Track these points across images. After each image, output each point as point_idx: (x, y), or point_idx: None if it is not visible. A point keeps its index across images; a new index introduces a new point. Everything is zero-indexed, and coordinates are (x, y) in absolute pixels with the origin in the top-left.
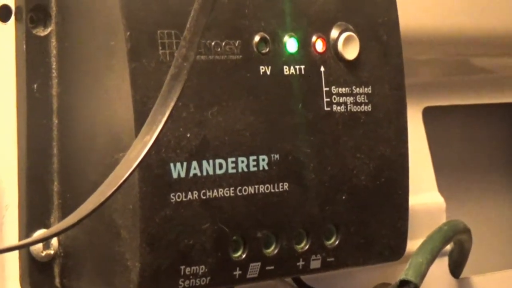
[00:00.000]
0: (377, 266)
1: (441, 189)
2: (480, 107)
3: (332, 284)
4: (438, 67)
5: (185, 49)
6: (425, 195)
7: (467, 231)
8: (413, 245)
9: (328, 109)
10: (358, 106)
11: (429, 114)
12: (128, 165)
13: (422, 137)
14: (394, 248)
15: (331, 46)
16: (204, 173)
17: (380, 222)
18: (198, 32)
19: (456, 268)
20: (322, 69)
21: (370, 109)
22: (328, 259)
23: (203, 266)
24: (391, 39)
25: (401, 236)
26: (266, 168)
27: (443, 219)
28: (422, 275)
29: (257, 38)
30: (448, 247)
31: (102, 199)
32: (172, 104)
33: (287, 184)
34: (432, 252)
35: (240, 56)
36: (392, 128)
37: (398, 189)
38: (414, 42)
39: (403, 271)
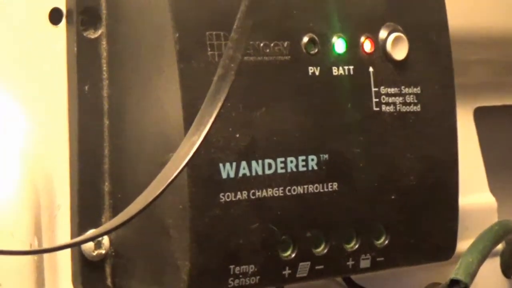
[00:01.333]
0: (428, 266)
1: (493, 189)
2: None
3: (382, 284)
4: (489, 67)
5: (232, 50)
6: (476, 195)
7: None
8: (464, 245)
9: (377, 109)
10: (407, 106)
11: (480, 114)
12: (176, 165)
13: (474, 138)
14: (444, 248)
15: (380, 46)
16: (253, 173)
17: (429, 222)
18: (245, 33)
19: (507, 268)
20: (370, 69)
21: (419, 109)
22: (378, 259)
23: (253, 266)
24: (440, 39)
25: (451, 236)
26: (315, 168)
27: (495, 219)
28: (472, 275)
29: (305, 39)
30: (500, 247)
31: (150, 199)
32: (219, 104)
33: (336, 184)
34: (482, 251)
35: (289, 57)
36: (441, 128)
37: (447, 189)
38: (466, 42)
39: (453, 270)
